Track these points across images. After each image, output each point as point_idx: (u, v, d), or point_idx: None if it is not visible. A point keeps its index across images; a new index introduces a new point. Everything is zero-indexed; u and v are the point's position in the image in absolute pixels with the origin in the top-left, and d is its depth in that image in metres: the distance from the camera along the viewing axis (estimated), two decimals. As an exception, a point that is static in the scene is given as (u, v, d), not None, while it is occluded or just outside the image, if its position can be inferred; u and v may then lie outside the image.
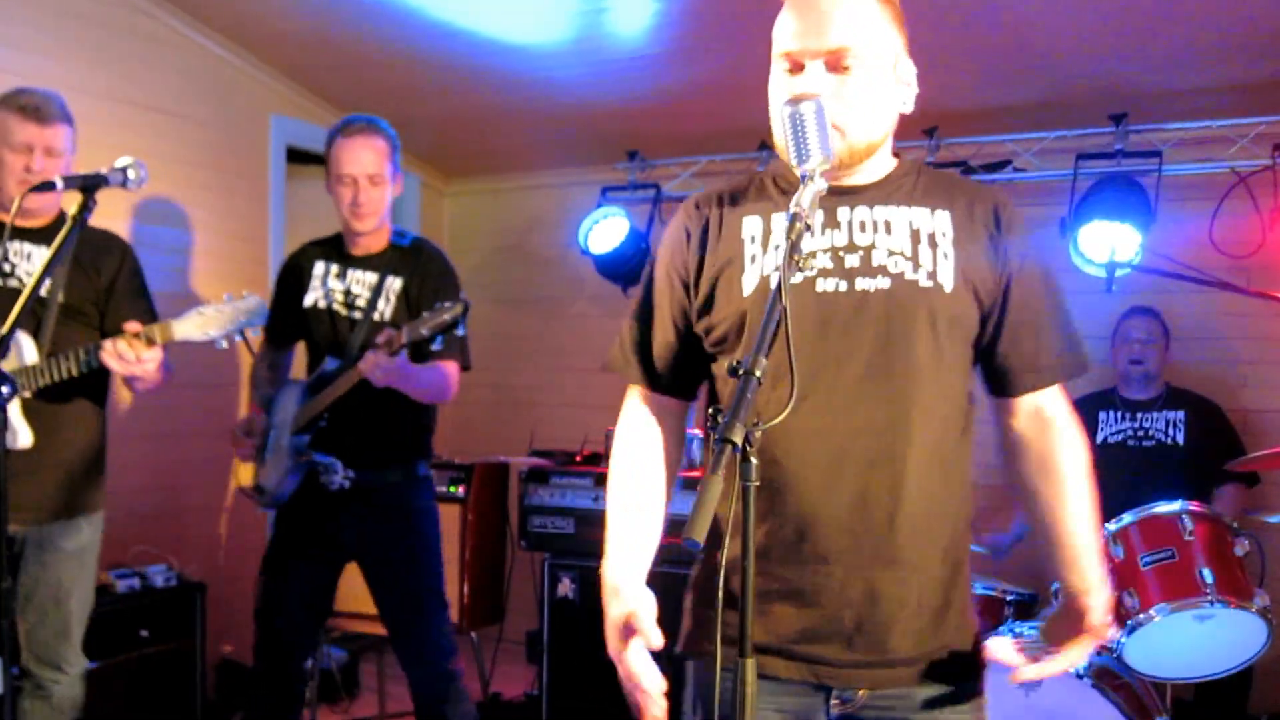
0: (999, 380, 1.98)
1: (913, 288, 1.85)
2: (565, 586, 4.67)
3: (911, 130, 5.07)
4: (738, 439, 1.50)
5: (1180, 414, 4.61)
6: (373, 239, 3.65)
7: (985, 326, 1.92)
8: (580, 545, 4.66)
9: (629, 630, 1.86)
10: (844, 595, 1.85)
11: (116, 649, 4.12)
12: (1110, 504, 3.85)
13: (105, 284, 3.38)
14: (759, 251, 1.92)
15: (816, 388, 1.83)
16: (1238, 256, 4.66)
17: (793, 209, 1.67)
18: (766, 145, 5.34)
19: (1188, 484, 3.90)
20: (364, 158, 3.53)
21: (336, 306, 3.63)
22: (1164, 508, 3.55)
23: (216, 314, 3.19)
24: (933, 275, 1.87)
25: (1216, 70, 4.52)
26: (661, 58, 4.93)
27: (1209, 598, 3.37)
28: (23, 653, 3.32)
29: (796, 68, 1.84)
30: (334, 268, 3.67)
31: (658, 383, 2.08)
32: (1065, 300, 2.01)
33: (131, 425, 4.54)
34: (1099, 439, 4.71)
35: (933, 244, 1.89)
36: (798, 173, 1.74)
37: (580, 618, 4.58)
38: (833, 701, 1.90)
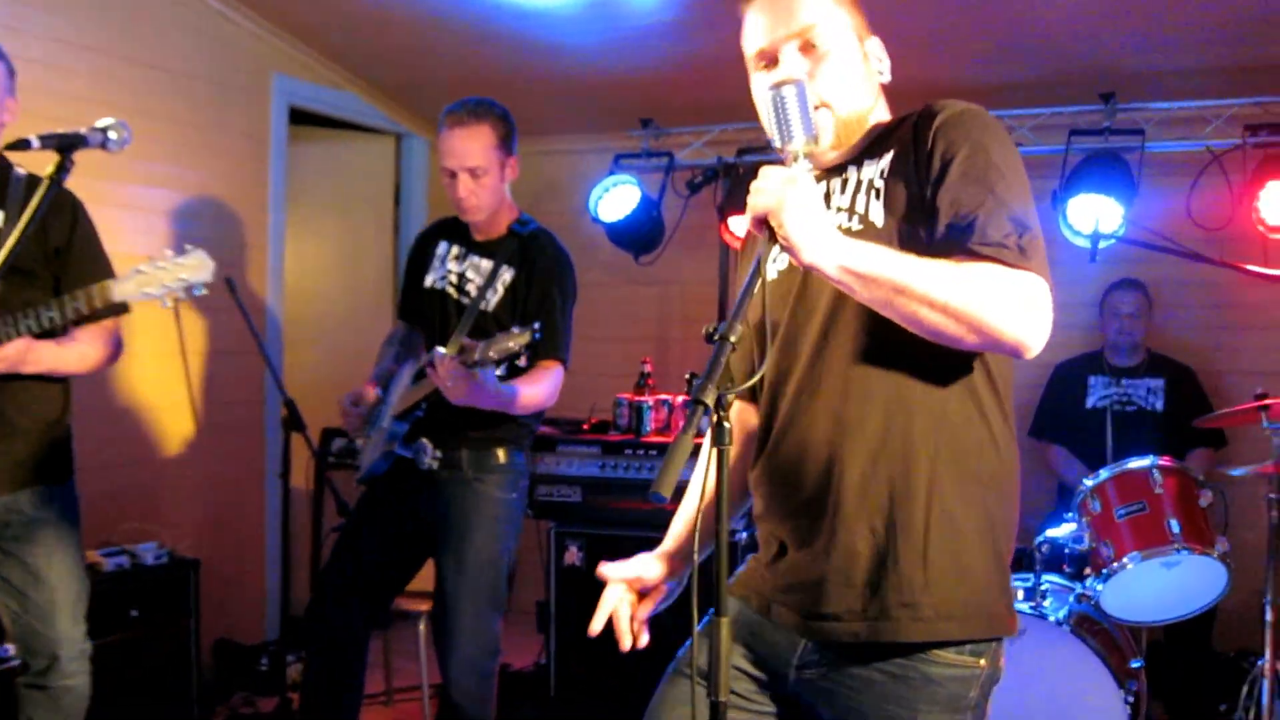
0: None
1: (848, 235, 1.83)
2: (572, 555, 4.58)
3: (914, 102, 5.35)
4: (709, 400, 1.57)
5: (1160, 381, 4.95)
6: (491, 224, 3.52)
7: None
8: (587, 513, 4.56)
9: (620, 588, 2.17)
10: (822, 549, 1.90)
11: (106, 630, 3.79)
12: (1095, 465, 4.23)
13: (57, 245, 3.10)
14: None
15: (793, 357, 1.93)
16: (1211, 229, 4.96)
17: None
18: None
19: (1164, 447, 4.19)
20: (465, 149, 3.38)
21: (449, 290, 3.54)
22: (1136, 463, 3.83)
23: (155, 272, 2.93)
24: (864, 219, 1.89)
25: (1196, 54, 4.80)
26: (677, 25, 4.93)
27: (1176, 546, 3.67)
28: (15, 643, 3.14)
29: (772, 62, 1.93)
30: (455, 249, 3.58)
31: None
32: (1009, 180, 1.80)
33: (95, 398, 4.34)
34: (1089, 403, 5.04)
35: (870, 189, 1.91)
36: (783, 153, 1.81)
37: (588, 586, 4.29)
38: (795, 661, 1.93)
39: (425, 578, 3.65)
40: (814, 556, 1.90)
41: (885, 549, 1.84)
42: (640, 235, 5.76)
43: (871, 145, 1.97)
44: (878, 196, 1.89)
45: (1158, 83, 5.03)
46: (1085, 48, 4.85)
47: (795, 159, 1.79)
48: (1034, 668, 3.48)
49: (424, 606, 4.17)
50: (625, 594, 2.22)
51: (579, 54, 5.34)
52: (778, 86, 1.83)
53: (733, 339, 1.62)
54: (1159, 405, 4.94)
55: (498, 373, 3.04)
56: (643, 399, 4.82)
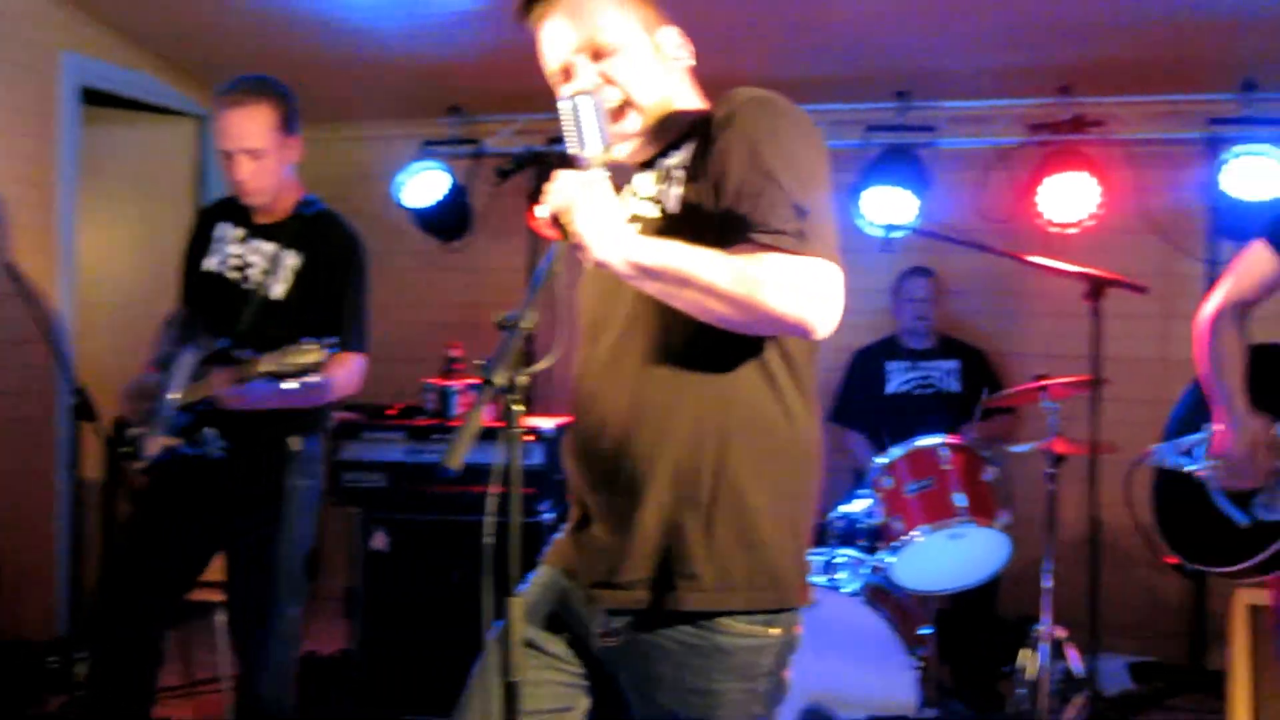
0: None
1: (643, 225, 1.96)
2: (379, 540, 4.47)
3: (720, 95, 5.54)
4: (500, 381, 1.64)
5: (955, 363, 5.23)
6: (273, 206, 3.38)
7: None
8: (394, 499, 4.45)
9: None
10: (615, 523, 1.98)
11: None
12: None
13: None
14: None
15: (600, 342, 2.01)
16: (998, 222, 5.30)
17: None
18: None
19: (960, 426, 4.46)
20: (242, 129, 3.22)
21: (231, 274, 3.38)
22: (926, 441, 4.08)
23: None
24: (663, 207, 1.97)
25: (985, 56, 5.11)
26: (485, 14, 4.96)
27: (962, 519, 3.92)
28: None
29: (568, 75, 2.00)
30: (237, 231, 3.42)
31: None
32: (795, 168, 1.83)
33: None
34: (889, 389, 5.27)
35: (670, 177, 1.98)
36: (580, 160, 1.86)
37: (395, 571, 4.41)
38: (598, 628, 1.99)
39: (221, 567, 3.55)
40: (610, 528, 1.98)
41: (672, 522, 1.90)
42: (448, 222, 5.85)
43: (681, 135, 2.02)
44: (677, 185, 1.95)
45: (949, 82, 5.33)
46: (882, 47, 5.11)
47: (590, 165, 1.85)
48: (829, 637, 3.64)
49: (221, 598, 4.08)
50: None
51: (386, 40, 5.35)
52: (572, 97, 1.89)
53: (525, 326, 1.68)
54: (955, 386, 5.20)
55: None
56: (449, 384, 4.83)
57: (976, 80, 5.29)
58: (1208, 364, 2.49)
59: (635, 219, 1.99)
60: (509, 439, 1.69)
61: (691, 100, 2.09)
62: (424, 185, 5.78)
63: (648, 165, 2.07)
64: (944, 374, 5.22)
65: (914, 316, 5.27)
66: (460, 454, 1.60)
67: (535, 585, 2.10)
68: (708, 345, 1.89)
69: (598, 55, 1.98)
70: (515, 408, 1.69)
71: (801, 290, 1.75)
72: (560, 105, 1.91)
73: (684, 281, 1.76)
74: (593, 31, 1.98)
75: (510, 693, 1.72)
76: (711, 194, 1.88)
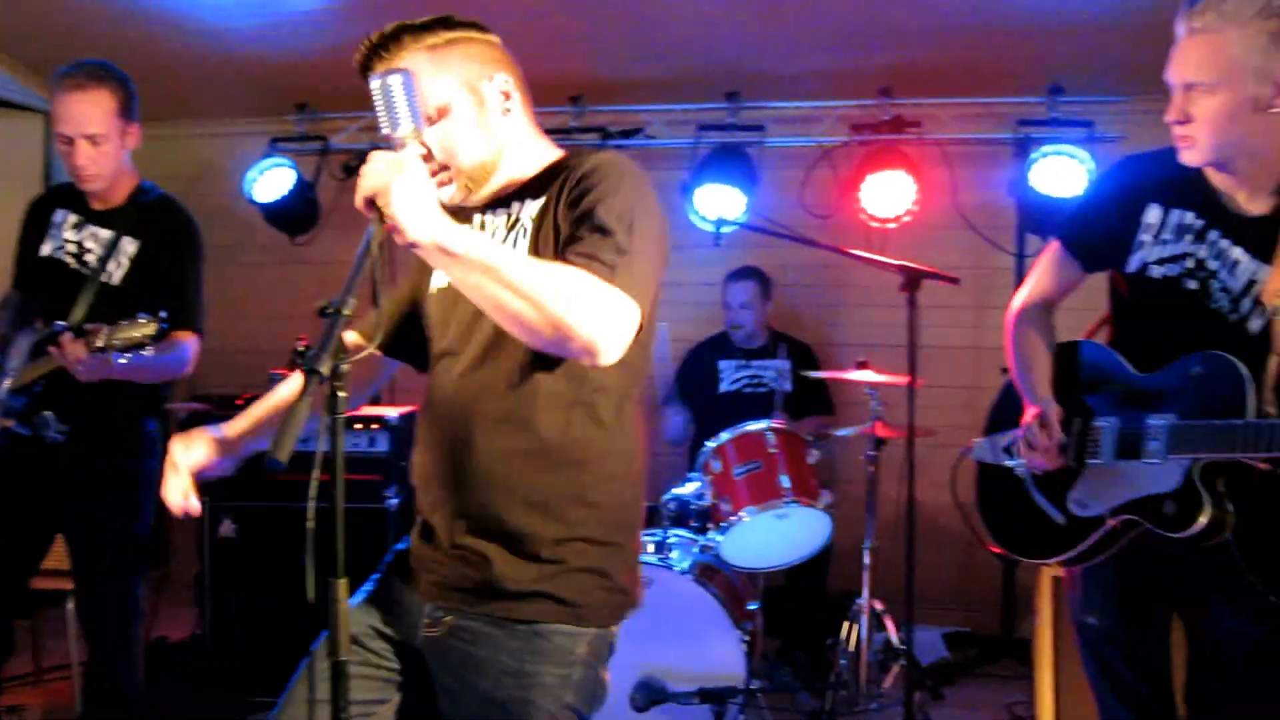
0: None
1: None
2: (226, 527, 4.56)
3: (558, 97, 5.64)
4: (324, 370, 1.66)
5: (787, 363, 5.33)
6: (110, 193, 3.38)
7: None
8: (241, 487, 4.39)
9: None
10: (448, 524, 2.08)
11: None
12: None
13: None
14: None
15: (451, 370, 2.09)
16: (822, 217, 5.53)
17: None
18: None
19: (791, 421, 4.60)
20: (83, 114, 3.21)
21: (68, 260, 3.36)
22: (753, 426, 4.24)
23: None
24: None
25: (810, 59, 5.31)
26: (332, 12, 5.05)
27: (786, 499, 4.09)
28: None
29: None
30: (73, 217, 3.40)
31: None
32: (626, 224, 1.93)
33: None
34: (721, 388, 5.41)
35: (520, 228, 2.07)
36: (392, 140, 1.89)
37: (242, 557, 4.52)
38: (424, 620, 2.08)
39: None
40: (440, 528, 2.08)
41: (492, 528, 2.01)
42: (295, 216, 5.87)
43: (533, 183, 2.11)
44: (524, 235, 2.04)
45: (777, 84, 5.53)
46: (712, 50, 5.28)
47: (403, 145, 1.88)
48: (661, 614, 3.74)
49: (69, 585, 4.05)
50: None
51: (234, 37, 5.33)
52: (384, 75, 1.90)
53: (346, 312, 1.72)
54: (787, 386, 5.31)
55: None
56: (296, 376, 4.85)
57: (802, 82, 5.50)
58: (1014, 360, 2.62)
59: None
60: (332, 426, 1.73)
61: (531, 144, 2.15)
62: (272, 181, 5.81)
63: (493, 208, 2.14)
64: (775, 373, 5.35)
65: (731, 323, 5.39)
66: (288, 447, 1.62)
67: (374, 589, 2.20)
68: (549, 380, 2.00)
69: (434, 120, 2.04)
70: (339, 395, 1.72)
71: (597, 312, 1.80)
72: (371, 85, 1.94)
73: (489, 271, 1.77)
74: (430, 106, 2.03)
75: (337, 672, 1.77)
76: (551, 248, 1.98)
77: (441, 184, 2.05)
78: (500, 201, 2.13)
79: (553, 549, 2.01)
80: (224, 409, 4.62)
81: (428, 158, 2.00)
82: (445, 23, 2.09)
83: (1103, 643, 2.52)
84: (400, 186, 1.78)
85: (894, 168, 5.21)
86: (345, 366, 1.71)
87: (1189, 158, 2.28)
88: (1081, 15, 4.64)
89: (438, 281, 2.17)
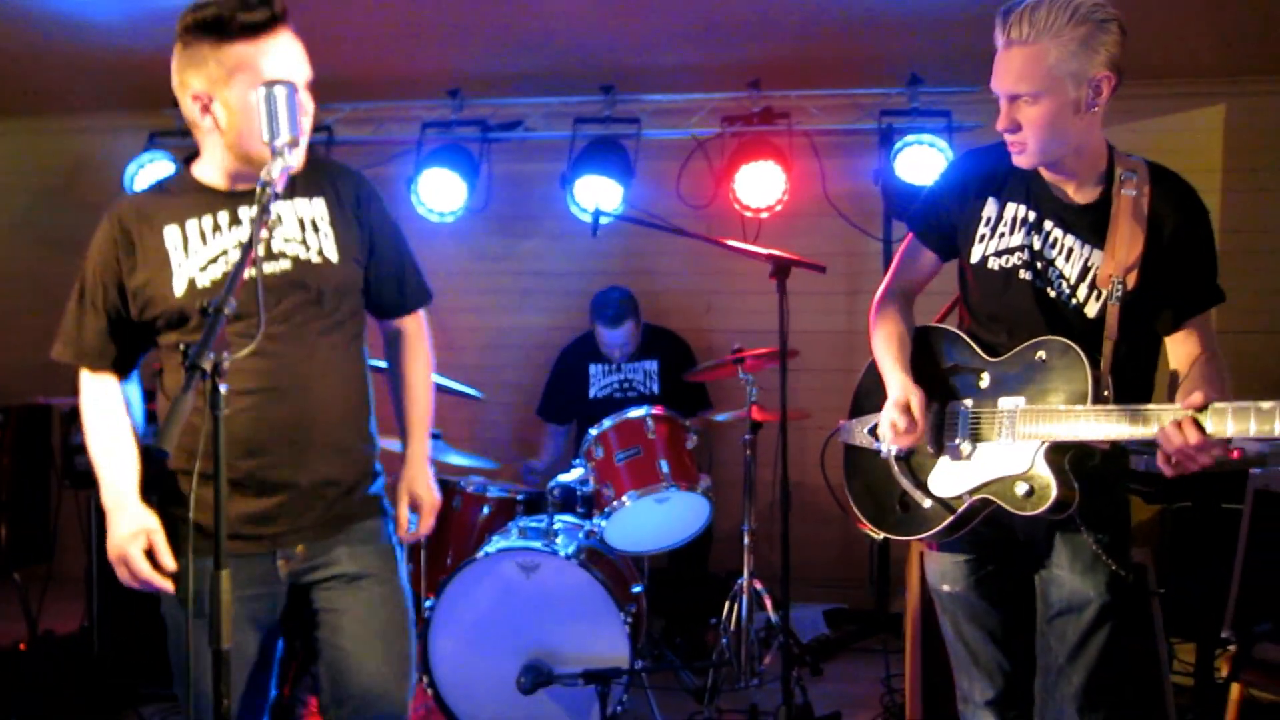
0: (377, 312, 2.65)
1: (306, 265, 2.37)
2: None
3: (437, 91, 5.69)
4: (206, 366, 1.79)
5: (655, 363, 5.44)
6: None
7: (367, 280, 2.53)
8: None
9: (142, 539, 2.34)
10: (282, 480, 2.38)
11: None
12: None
13: None
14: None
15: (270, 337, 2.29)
16: (698, 207, 5.66)
17: (263, 177, 2.06)
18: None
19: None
20: None
21: None
22: (634, 413, 4.34)
23: None
24: (320, 253, 2.39)
25: (682, 52, 5.41)
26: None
27: (666, 484, 4.20)
28: None
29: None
30: None
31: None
32: (406, 240, 2.63)
33: None
34: (591, 394, 5.46)
35: (315, 228, 2.41)
36: (270, 148, 2.09)
37: None
38: (279, 561, 2.41)
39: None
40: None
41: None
42: (179, 212, 5.74)
43: (294, 184, 2.37)
44: (328, 238, 2.41)
45: (651, 77, 5.63)
46: (587, 43, 5.33)
47: (281, 154, 2.07)
48: (546, 599, 3.90)
49: None
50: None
51: (106, 31, 5.23)
52: (270, 84, 2.08)
53: (227, 311, 1.84)
54: (655, 388, 5.43)
55: None
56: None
57: (675, 76, 5.61)
58: (876, 347, 2.72)
59: (279, 254, 2.35)
60: (214, 419, 1.81)
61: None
62: (154, 176, 5.67)
63: (240, 197, 2.36)
64: (644, 376, 5.43)
65: (607, 352, 5.41)
66: (174, 437, 1.72)
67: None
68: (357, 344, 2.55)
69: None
70: (220, 390, 1.80)
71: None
72: (254, 92, 2.09)
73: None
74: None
75: (218, 659, 1.86)
76: (363, 251, 2.49)
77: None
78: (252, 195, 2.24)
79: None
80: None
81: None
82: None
83: (955, 609, 2.66)
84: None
85: (764, 158, 5.33)
86: (227, 364, 1.80)
87: (1022, 161, 2.42)
88: (939, 7, 4.78)
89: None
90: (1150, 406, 2.23)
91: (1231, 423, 2.11)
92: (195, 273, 2.33)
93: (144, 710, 4.34)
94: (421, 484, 2.62)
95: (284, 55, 2.26)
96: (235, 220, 2.36)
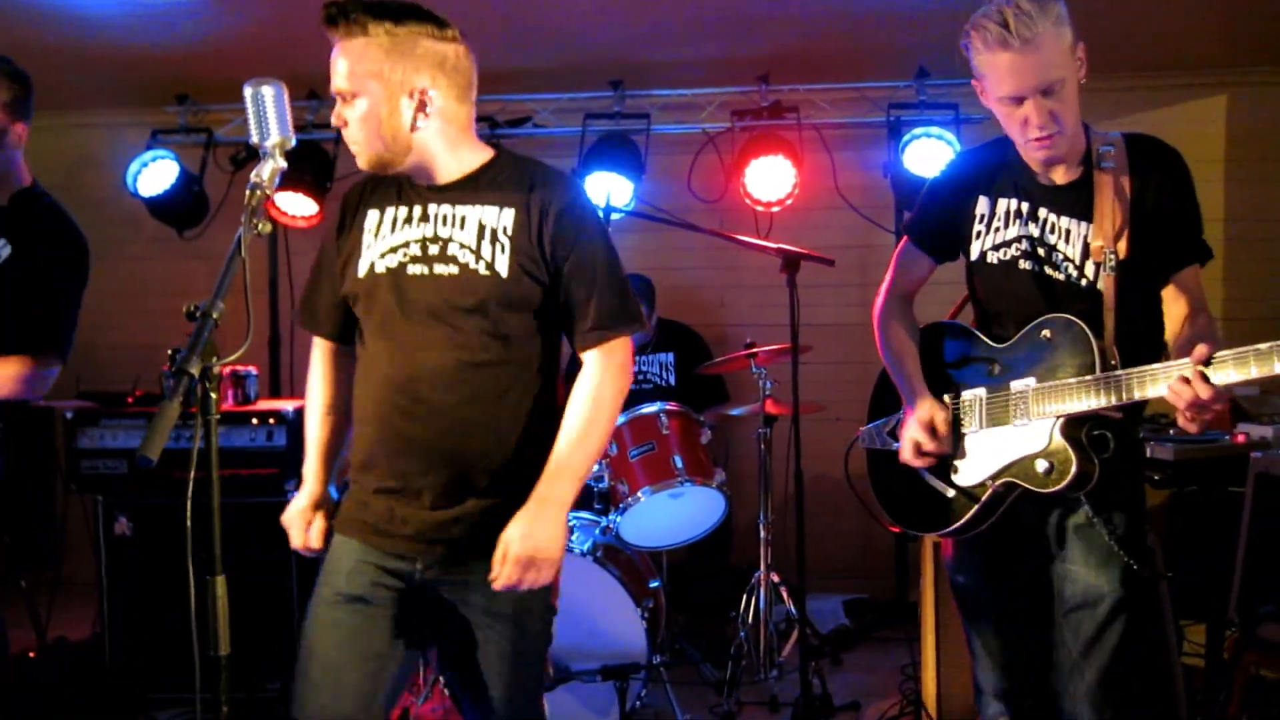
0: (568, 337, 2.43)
1: (474, 274, 2.27)
2: (122, 526, 4.53)
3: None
4: (194, 371, 1.75)
5: (670, 356, 5.46)
6: None
7: (548, 300, 2.32)
8: (134, 485, 4.49)
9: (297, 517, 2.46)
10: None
11: None
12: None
13: None
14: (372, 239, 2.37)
15: (390, 342, 2.30)
16: (709, 201, 5.68)
17: (253, 179, 2.02)
18: (316, 95, 5.79)
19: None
20: None
21: None
22: (647, 408, 4.34)
23: None
24: (490, 265, 2.26)
25: (691, 47, 5.43)
26: (207, 3, 4.99)
27: (680, 479, 4.19)
28: None
29: (343, 100, 2.25)
30: None
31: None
32: (616, 267, 2.36)
33: None
34: None
35: (493, 238, 2.28)
36: (260, 148, 2.06)
37: (138, 555, 4.48)
38: (418, 564, 2.32)
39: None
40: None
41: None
42: (181, 210, 5.82)
43: (480, 187, 2.32)
44: (503, 251, 2.27)
45: (660, 72, 5.65)
46: (597, 38, 5.35)
47: (271, 156, 2.05)
48: (563, 595, 3.81)
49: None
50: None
51: (108, 27, 5.24)
52: (257, 85, 2.04)
53: (215, 315, 1.83)
54: (672, 380, 5.45)
55: None
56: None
57: (684, 70, 5.63)
58: (885, 357, 2.76)
59: (450, 258, 2.28)
60: (205, 425, 1.81)
61: (454, 144, 2.34)
62: (156, 174, 5.76)
63: (434, 194, 2.34)
64: (661, 368, 5.45)
65: None
66: (158, 445, 1.70)
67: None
68: (522, 361, 2.37)
69: (345, 99, 2.24)
70: (211, 395, 1.80)
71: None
72: (245, 92, 2.06)
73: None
74: (343, 87, 2.22)
75: (215, 666, 1.87)
76: (544, 271, 2.29)
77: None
78: (444, 193, 2.33)
79: None
80: (114, 405, 4.66)
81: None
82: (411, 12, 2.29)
83: (972, 600, 2.69)
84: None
85: (774, 152, 5.35)
86: (216, 369, 1.79)
87: (1054, 153, 2.44)
88: (944, 1, 4.79)
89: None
90: (1155, 366, 2.25)
91: (1233, 370, 2.12)
92: (375, 258, 2.34)
93: (157, 716, 4.31)
94: (512, 531, 2.24)
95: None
96: (425, 217, 2.34)
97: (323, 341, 2.56)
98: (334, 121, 2.27)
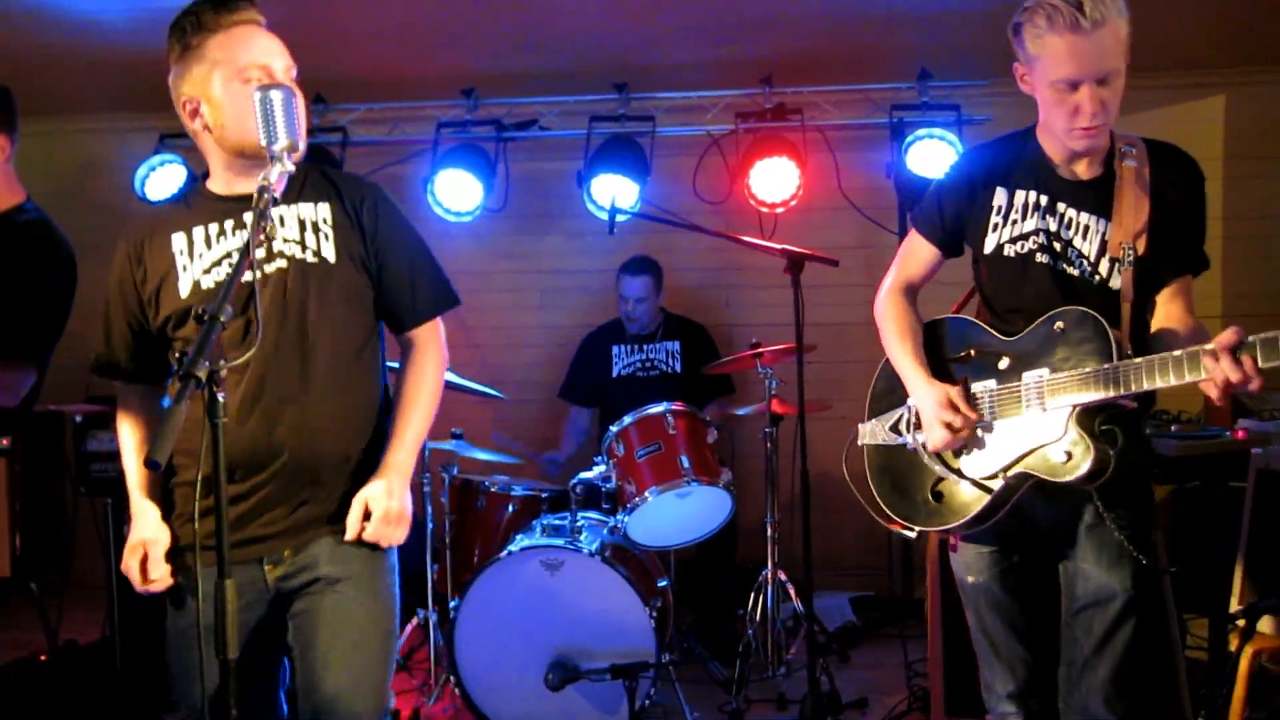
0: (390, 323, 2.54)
1: (303, 265, 2.35)
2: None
3: (452, 90, 5.75)
4: (201, 375, 1.75)
5: (677, 344, 5.49)
6: None
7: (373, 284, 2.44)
8: None
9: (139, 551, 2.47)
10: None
11: None
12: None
13: None
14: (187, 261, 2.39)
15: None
16: (714, 203, 5.72)
17: (260, 182, 2.05)
18: (322, 99, 5.82)
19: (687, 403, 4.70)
20: None
21: None
22: (654, 409, 4.35)
23: None
24: (318, 254, 2.36)
25: (697, 50, 5.46)
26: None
27: (687, 479, 4.20)
28: None
29: (269, 76, 2.32)
30: None
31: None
32: (425, 249, 2.54)
33: None
34: (615, 373, 5.51)
35: (316, 229, 2.38)
36: (267, 152, 2.09)
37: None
38: (266, 567, 2.36)
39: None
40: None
41: None
42: (191, 214, 5.80)
43: (301, 190, 2.39)
44: (328, 240, 2.38)
45: (665, 75, 5.68)
46: (601, 41, 5.38)
47: (279, 159, 2.08)
48: (571, 596, 3.95)
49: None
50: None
51: (111, 32, 5.26)
52: (265, 89, 2.10)
53: (222, 319, 1.84)
54: (678, 367, 5.47)
55: None
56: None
57: (689, 73, 5.66)
58: (889, 348, 2.74)
59: (278, 254, 2.35)
60: (212, 428, 1.81)
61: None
62: (164, 178, 5.78)
63: (241, 202, 2.36)
64: (667, 355, 5.48)
65: (626, 315, 5.48)
66: (166, 449, 1.71)
67: None
68: (357, 343, 2.49)
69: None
70: (218, 399, 1.80)
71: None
72: (254, 96, 2.11)
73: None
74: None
75: (225, 669, 1.88)
76: (370, 257, 2.43)
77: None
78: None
79: None
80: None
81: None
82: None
83: (979, 600, 2.70)
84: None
85: (778, 154, 5.38)
86: (222, 372, 1.81)
87: (1093, 145, 2.46)
88: (947, 3, 4.82)
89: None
90: (1176, 352, 2.24)
91: (1261, 355, 2.13)
92: (200, 275, 2.36)
93: (167, 719, 4.32)
94: (375, 490, 2.36)
95: (257, 43, 2.34)
96: (240, 225, 2.37)
97: (133, 386, 2.55)
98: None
